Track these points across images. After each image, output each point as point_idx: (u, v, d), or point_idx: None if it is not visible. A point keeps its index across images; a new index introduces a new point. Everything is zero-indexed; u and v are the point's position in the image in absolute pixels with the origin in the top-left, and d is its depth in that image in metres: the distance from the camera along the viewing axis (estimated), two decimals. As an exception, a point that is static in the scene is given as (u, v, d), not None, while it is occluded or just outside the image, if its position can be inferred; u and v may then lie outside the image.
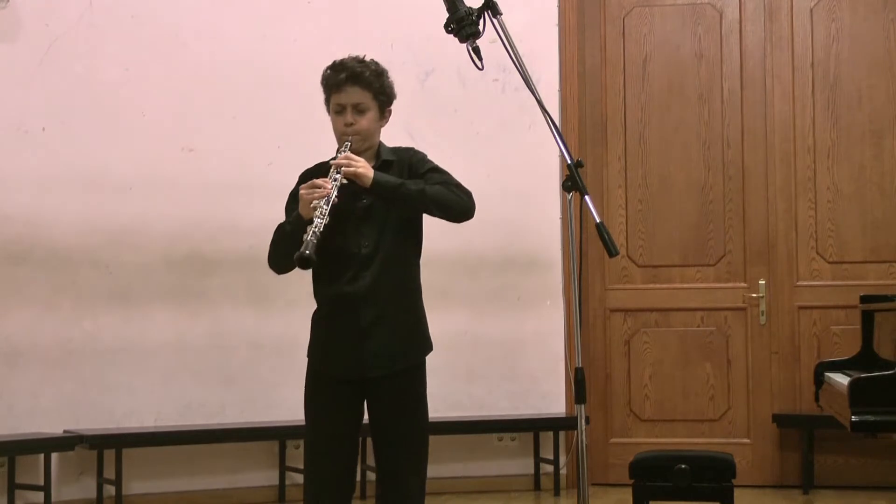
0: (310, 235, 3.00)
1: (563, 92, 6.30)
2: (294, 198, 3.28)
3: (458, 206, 3.26)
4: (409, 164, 3.33)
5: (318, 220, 3.03)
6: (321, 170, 3.28)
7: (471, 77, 5.90)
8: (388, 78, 3.34)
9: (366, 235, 3.23)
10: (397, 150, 3.37)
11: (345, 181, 3.15)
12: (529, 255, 6.25)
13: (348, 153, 3.21)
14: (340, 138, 3.29)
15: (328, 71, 3.32)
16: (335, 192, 3.10)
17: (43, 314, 5.66)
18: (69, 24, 5.78)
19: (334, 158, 3.23)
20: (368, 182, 3.17)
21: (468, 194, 3.29)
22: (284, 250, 3.17)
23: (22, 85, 5.69)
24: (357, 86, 3.27)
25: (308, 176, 3.32)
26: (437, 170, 3.32)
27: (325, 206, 3.06)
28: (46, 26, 5.74)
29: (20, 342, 5.61)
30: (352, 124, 3.27)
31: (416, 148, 3.42)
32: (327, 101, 3.34)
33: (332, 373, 3.26)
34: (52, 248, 5.67)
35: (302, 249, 2.98)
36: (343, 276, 3.22)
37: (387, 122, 3.38)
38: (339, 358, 3.24)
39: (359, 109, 3.28)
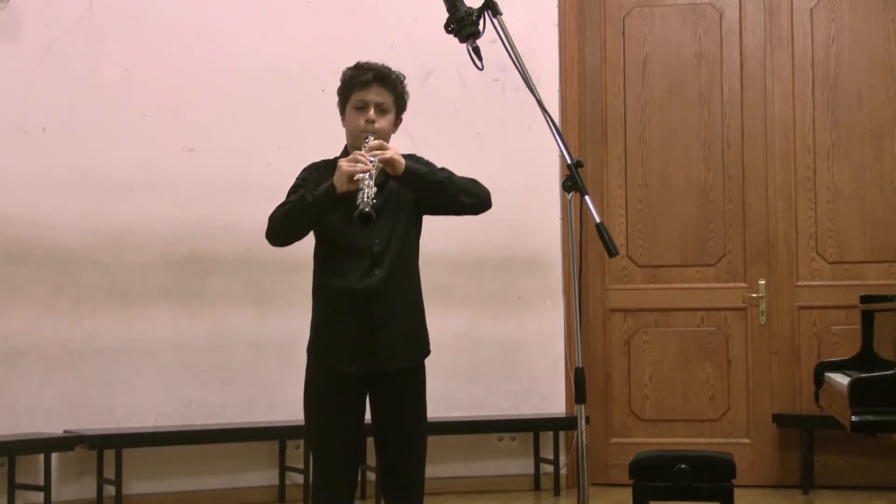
0: (365, 197, 3.02)
1: (563, 92, 6.30)
2: (304, 181, 3.30)
3: (481, 194, 3.32)
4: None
5: (367, 188, 3.06)
6: (330, 166, 3.28)
7: (471, 77, 5.89)
8: (406, 87, 3.38)
9: (377, 232, 3.24)
10: (404, 156, 3.36)
11: (379, 165, 3.16)
12: (529, 255, 6.25)
13: (380, 140, 3.22)
14: (359, 135, 3.27)
15: (351, 70, 3.33)
16: (375, 170, 3.12)
17: (43, 314, 5.65)
18: (69, 24, 5.78)
19: (342, 157, 3.24)
20: (401, 168, 3.19)
21: (485, 187, 3.36)
22: (302, 219, 3.22)
23: (22, 85, 5.69)
24: (383, 87, 3.30)
25: (316, 169, 3.34)
26: (446, 169, 3.34)
27: (368, 178, 3.08)
28: (46, 26, 5.74)
29: (20, 342, 5.60)
30: (373, 121, 3.27)
31: (415, 151, 3.42)
32: (345, 99, 3.33)
33: (342, 368, 3.26)
34: (52, 248, 5.67)
35: (361, 207, 3.00)
36: (355, 272, 3.24)
37: (397, 129, 3.39)
38: (351, 353, 3.25)
39: (381, 109, 3.30)
